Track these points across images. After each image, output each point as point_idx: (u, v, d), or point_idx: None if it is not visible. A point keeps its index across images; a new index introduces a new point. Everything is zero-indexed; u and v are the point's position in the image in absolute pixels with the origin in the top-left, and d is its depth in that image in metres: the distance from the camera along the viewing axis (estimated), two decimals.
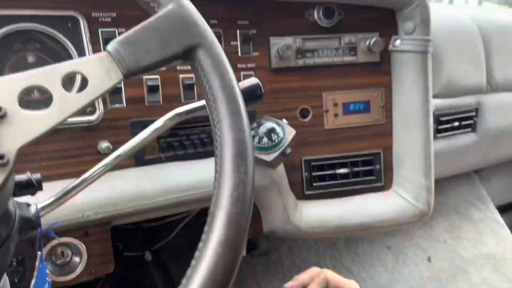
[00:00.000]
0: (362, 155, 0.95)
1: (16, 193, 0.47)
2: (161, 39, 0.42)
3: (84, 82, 0.40)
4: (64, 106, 0.39)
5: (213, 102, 0.41)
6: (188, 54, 0.43)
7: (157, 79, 0.78)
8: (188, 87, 0.81)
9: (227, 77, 0.42)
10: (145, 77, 0.78)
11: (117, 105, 0.76)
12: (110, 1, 0.74)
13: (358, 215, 0.91)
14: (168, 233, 1.09)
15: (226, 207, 0.35)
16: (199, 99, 0.82)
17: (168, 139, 0.81)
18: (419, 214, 0.93)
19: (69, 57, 0.72)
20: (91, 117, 0.72)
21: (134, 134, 0.77)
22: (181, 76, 0.81)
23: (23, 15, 0.69)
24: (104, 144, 0.74)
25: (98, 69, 0.41)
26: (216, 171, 0.38)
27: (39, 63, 0.71)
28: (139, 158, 0.78)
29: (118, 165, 0.77)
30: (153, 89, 0.78)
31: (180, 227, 1.07)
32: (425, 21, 0.89)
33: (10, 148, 0.36)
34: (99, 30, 0.74)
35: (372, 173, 0.96)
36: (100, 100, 0.74)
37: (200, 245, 0.34)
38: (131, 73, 0.41)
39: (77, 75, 0.53)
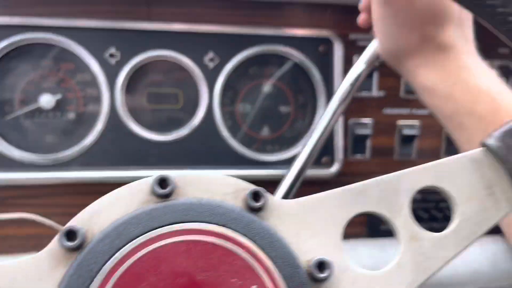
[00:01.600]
0: None
1: None
2: None
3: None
4: (419, 262, 0.21)
5: None
6: None
7: (415, 126, 0.58)
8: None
9: None
10: (399, 122, 0.58)
11: (358, 156, 0.58)
12: None
13: None
14: None
15: None
16: None
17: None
18: None
19: (312, 90, 0.56)
20: (330, 169, 0.56)
21: None
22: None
23: (265, 35, 0.54)
24: None
25: (472, 183, 0.21)
26: None
27: (276, 94, 0.56)
28: (373, 229, 0.59)
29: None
30: (406, 140, 0.58)
31: None
32: None
33: None
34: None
35: None
36: None
37: None
38: None
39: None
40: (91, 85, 0.51)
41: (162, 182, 0.19)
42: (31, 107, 0.50)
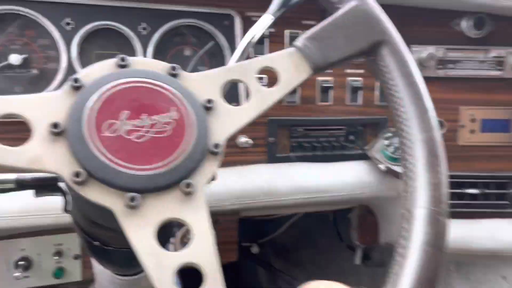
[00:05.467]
0: (495, 177, 0.89)
1: None
2: (347, 35, 0.43)
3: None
4: (261, 100, 0.41)
5: (398, 99, 0.41)
6: (373, 50, 0.43)
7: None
8: (324, 90, 0.82)
9: (412, 75, 0.42)
10: None
11: None
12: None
13: (486, 240, 0.86)
14: (273, 228, 1.10)
15: (427, 206, 0.35)
16: (334, 102, 0.83)
17: (300, 139, 0.82)
18: None
19: (221, 52, 0.76)
20: None
21: (270, 131, 0.80)
22: (318, 78, 0.82)
23: (186, 11, 0.73)
24: (243, 139, 0.77)
25: (288, 64, 0.42)
26: (407, 169, 0.38)
27: (193, 56, 0.75)
28: (271, 155, 0.80)
29: (252, 160, 0.81)
30: (292, 90, 0.80)
31: (288, 224, 1.08)
32: None
33: (220, 138, 0.38)
34: None
35: (505, 197, 0.89)
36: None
37: (402, 242, 0.35)
38: (319, 68, 0.42)
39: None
40: (50, 48, 0.67)
41: (123, 59, 0.38)
42: (2, 63, 0.65)
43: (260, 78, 0.47)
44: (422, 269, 0.32)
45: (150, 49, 0.71)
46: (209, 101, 0.39)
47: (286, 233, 1.12)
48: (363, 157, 0.85)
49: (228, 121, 0.39)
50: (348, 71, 0.82)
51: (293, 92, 0.80)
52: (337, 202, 0.81)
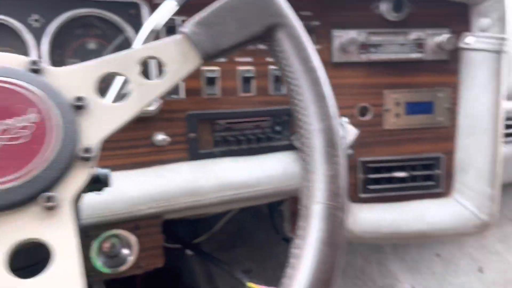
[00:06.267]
0: (422, 158, 0.90)
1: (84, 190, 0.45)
2: (239, 19, 0.39)
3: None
4: (143, 94, 0.36)
5: (295, 87, 0.38)
6: (267, 35, 0.39)
7: (216, 71, 0.75)
8: (246, 80, 0.78)
9: (310, 59, 0.39)
10: (203, 68, 0.75)
11: (175, 97, 0.73)
12: None
13: (416, 222, 0.86)
14: (209, 226, 1.06)
15: (323, 201, 0.33)
16: (257, 93, 0.79)
17: (223, 133, 0.78)
18: (481, 224, 0.87)
19: (129, 44, 0.70)
20: (149, 108, 0.70)
21: (190, 127, 0.75)
22: (238, 68, 0.78)
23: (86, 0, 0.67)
24: (160, 136, 0.71)
25: (175, 52, 0.38)
26: (304, 161, 0.36)
27: (100, 50, 0.69)
28: (194, 152, 0.76)
29: (171, 159, 0.76)
30: (211, 81, 0.75)
31: (224, 221, 1.04)
32: (502, 18, 0.82)
33: (93, 140, 0.33)
34: None
35: (431, 178, 0.90)
36: None
37: (299, 241, 0.32)
38: (209, 56, 0.38)
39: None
40: None
41: None
42: None
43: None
44: (316, 271, 0.30)
45: (45, 43, 0.64)
46: (79, 98, 0.34)
47: (223, 230, 1.08)
48: (291, 147, 0.83)
49: (104, 121, 0.34)
50: (268, 59, 0.79)
51: (214, 83, 0.76)
52: (264, 196, 0.78)
